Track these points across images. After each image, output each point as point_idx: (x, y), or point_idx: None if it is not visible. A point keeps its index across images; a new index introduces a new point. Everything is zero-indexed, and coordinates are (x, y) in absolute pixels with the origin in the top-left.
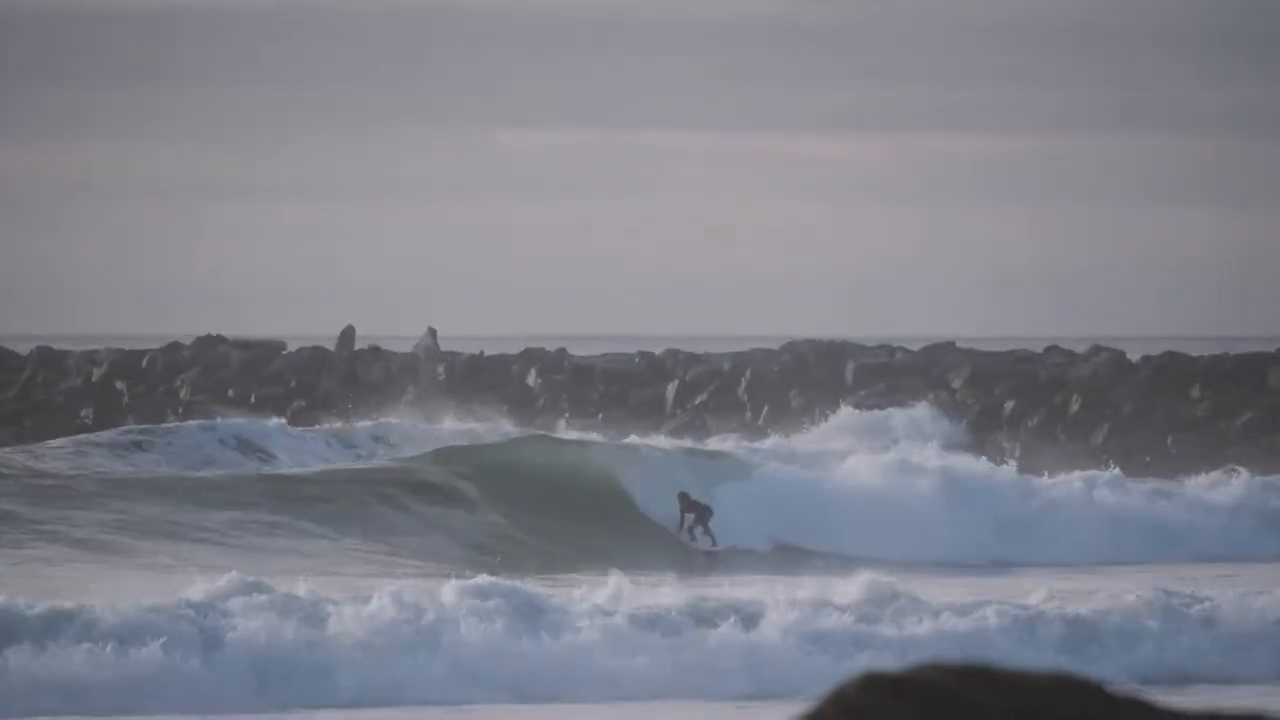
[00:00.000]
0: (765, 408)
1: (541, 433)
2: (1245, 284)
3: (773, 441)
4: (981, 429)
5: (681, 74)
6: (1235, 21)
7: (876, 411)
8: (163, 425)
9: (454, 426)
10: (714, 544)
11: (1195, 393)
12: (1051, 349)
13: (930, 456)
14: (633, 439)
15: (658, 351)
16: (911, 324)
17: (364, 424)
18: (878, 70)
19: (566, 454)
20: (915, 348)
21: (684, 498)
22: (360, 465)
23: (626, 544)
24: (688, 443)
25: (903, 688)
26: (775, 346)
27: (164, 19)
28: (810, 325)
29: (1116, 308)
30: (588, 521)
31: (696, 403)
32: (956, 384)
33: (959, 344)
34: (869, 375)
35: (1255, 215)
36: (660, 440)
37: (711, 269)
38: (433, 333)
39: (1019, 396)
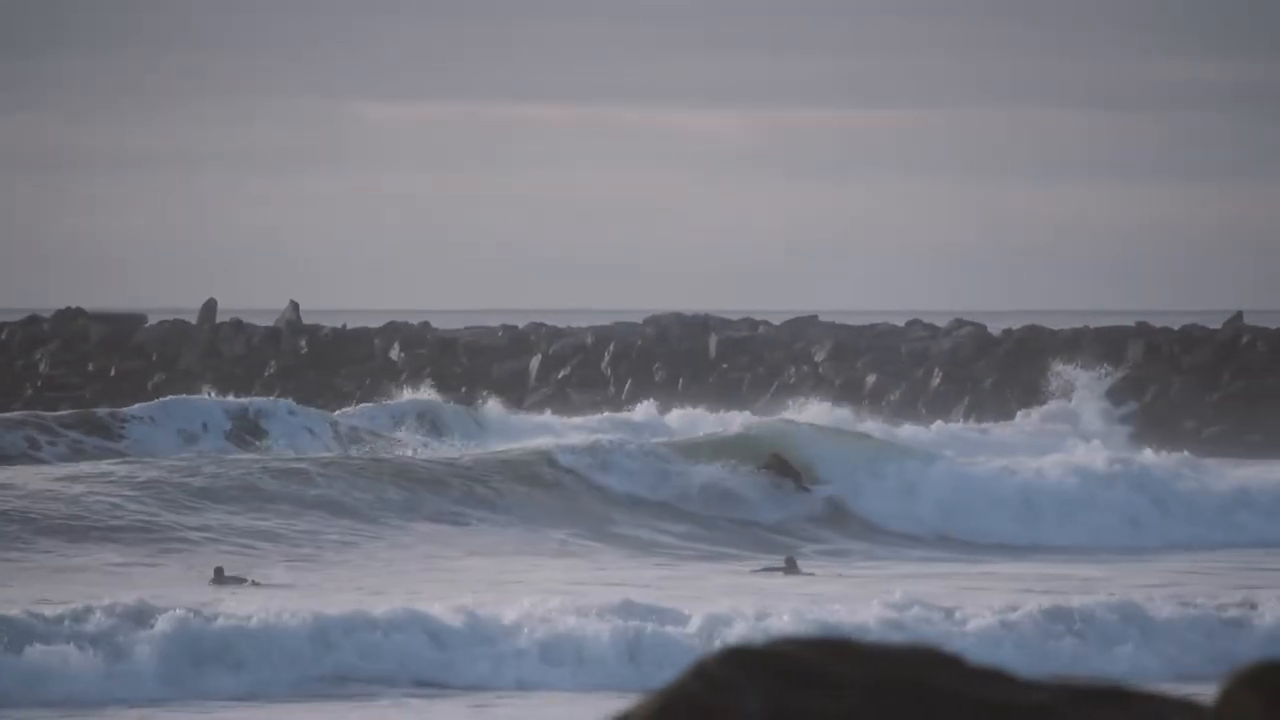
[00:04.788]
0: (628, 381)
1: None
2: (1107, 258)
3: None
4: (844, 402)
5: (546, 47)
6: None
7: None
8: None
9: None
10: (809, 490)
11: (1056, 366)
12: (913, 323)
13: None
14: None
15: (521, 325)
16: (775, 298)
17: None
18: (744, 42)
19: None
20: (778, 321)
21: (776, 458)
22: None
23: None
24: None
25: (763, 660)
26: (639, 320)
27: None
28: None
29: (979, 282)
30: None
31: (560, 376)
32: (820, 357)
33: (822, 318)
34: (732, 349)
35: (1119, 191)
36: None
37: (575, 242)
38: (295, 306)
39: (881, 370)
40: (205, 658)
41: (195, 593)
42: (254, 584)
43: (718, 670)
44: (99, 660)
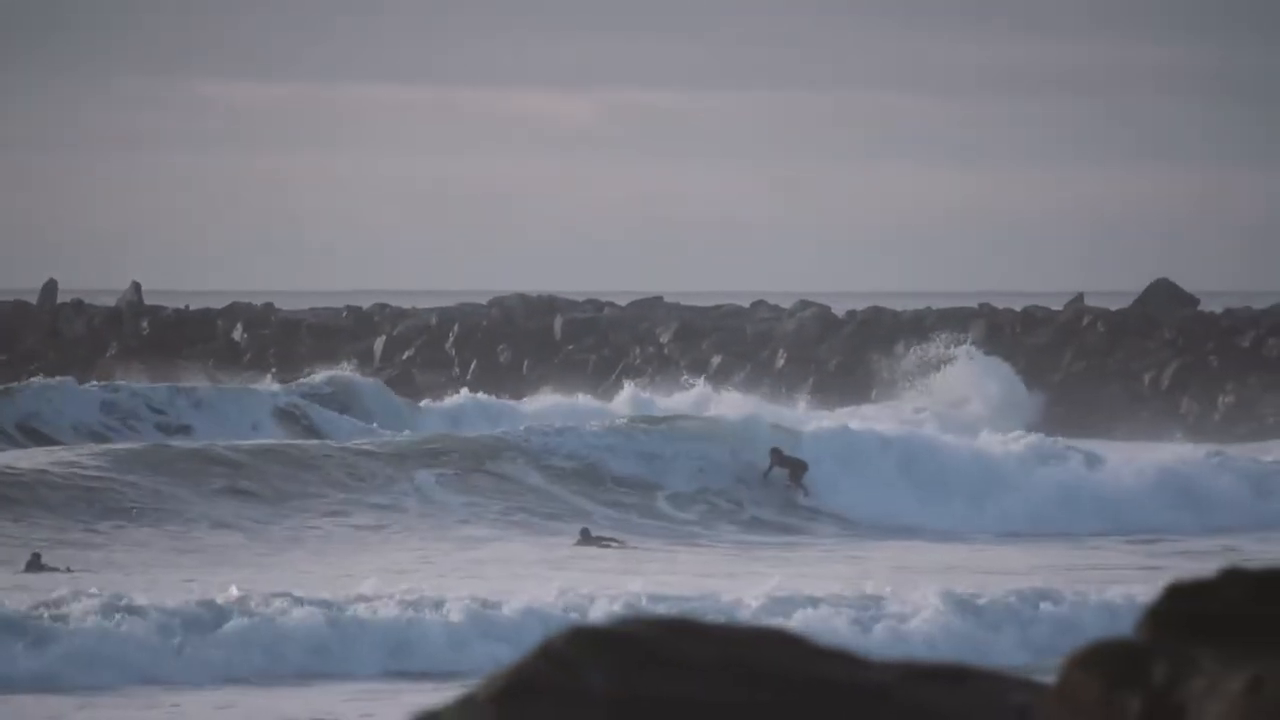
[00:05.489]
0: (473, 363)
1: None
2: (951, 241)
3: None
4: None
5: (391, 28)
6: None
7: None
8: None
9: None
10: (805, 496)
11: (900, 348)
12: (758, 304)
13: None
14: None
15: (365, 306)
16: (620, 279)
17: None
18: (592, 25)
19: None
20: (624, 303)
21: (777, 453)
22: None
23: None
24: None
25: (609, 640)
26: (483, 301)
27: None
28: (519, 280)
29: (823, 263)
30: None
31: (404, 358)
32: (665, 339)
33: (666, 299)
34: (577, 330)
35: (965, 174)
36: None
37: (419, 223)
38: (136, 287)
39: (726, 351)
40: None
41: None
42: (68, 571)
43: (563, 649)
44: None
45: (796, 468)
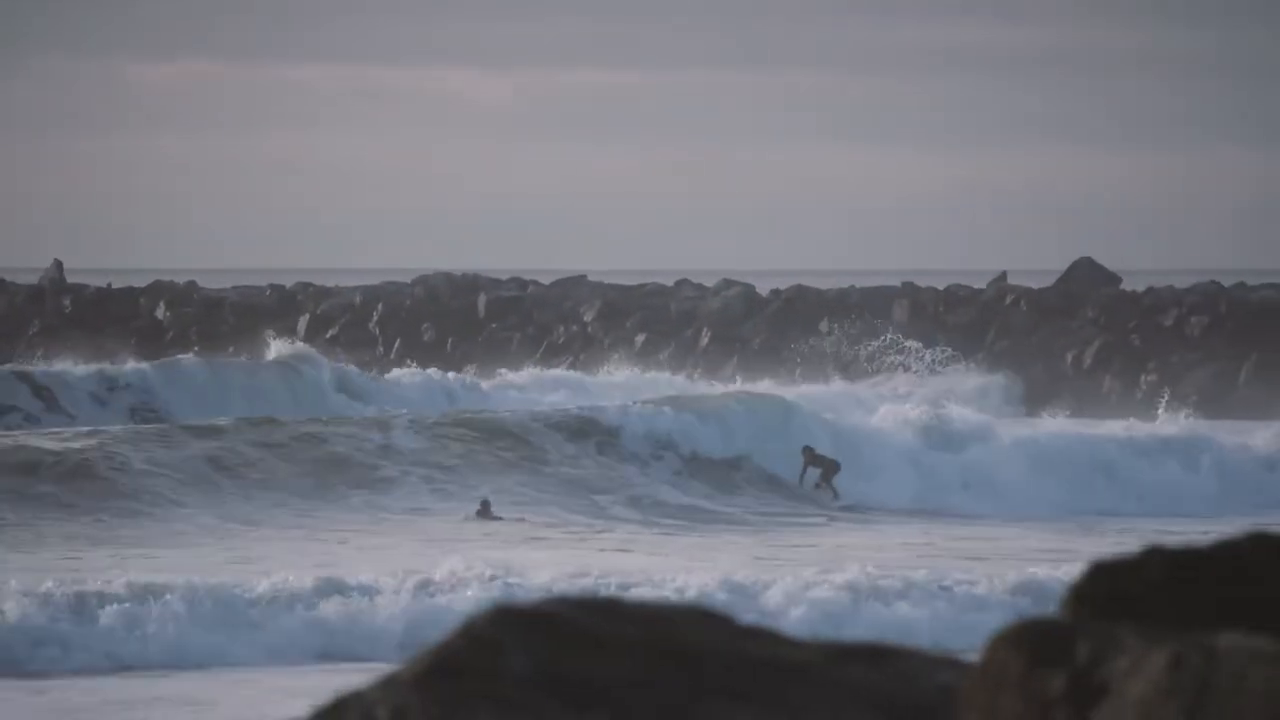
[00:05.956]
0: (397, 341)
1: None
2: (874, 220)
3: None
4: (616, 362)
5: (307, 7)
6: None
7: None
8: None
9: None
10: (836, 497)
11: (823, 326)
12: (682, 283)
13: None
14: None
15: (289, 284)
16: (545, 258)
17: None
18: (514, 4)
19: None
20: (548, 281)
21: (809, 452)
22: None
23: None
24: None
25: (532, 620)
26: (408, 280)
27: None
28: (443, 259)
29: (747, 243)
30: None
31: (328, 336)
32: (589, 317)
33: (590, 277)
34: (501, 309)
35: (888, 154)
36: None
37: (343, 203)
38: (58, 265)
39: (650, 330)
40: None
41: None
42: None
43: (486, 629)
44: None
45: (829, 468)
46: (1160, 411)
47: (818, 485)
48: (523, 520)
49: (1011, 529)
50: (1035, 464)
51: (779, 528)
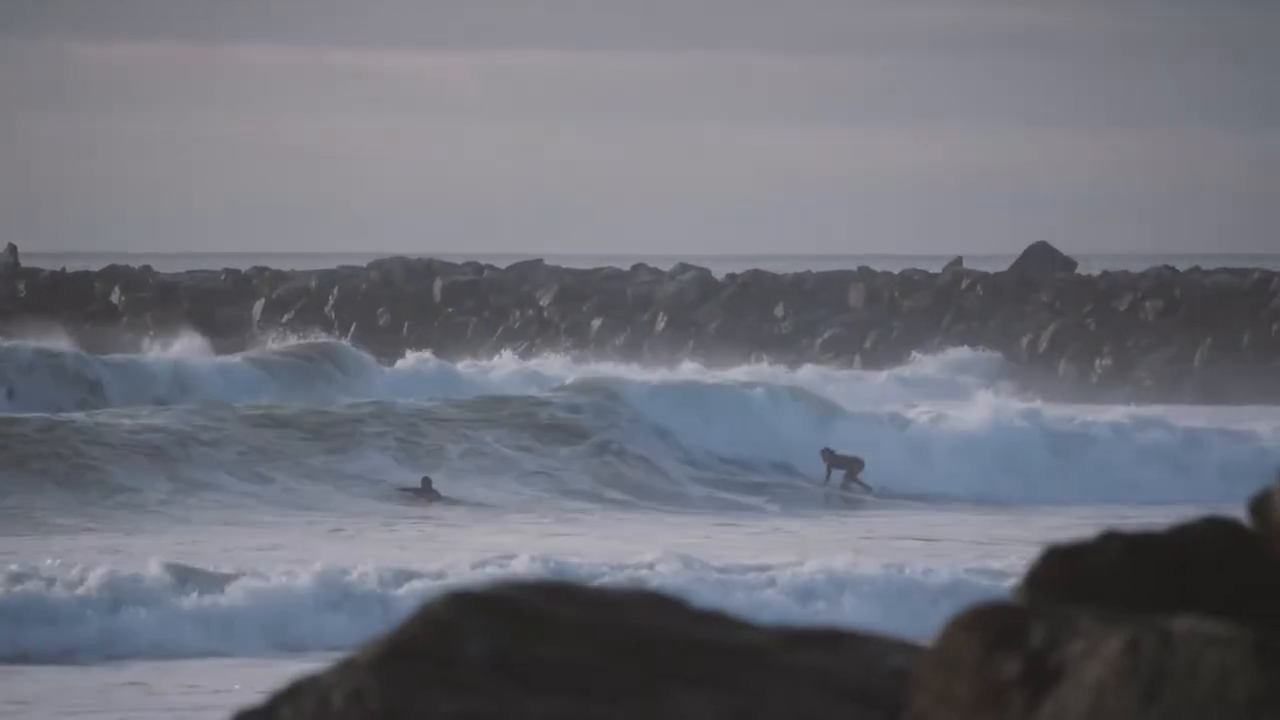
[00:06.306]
0: (353, 325)
1: None
2: (831, 204)
3: None
4: (569, 346)
5: None
6: None
7: None
8: None
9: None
10: (868, 490)
11: (779, 311)
12: (639, 267)
13: None
14: None
15: (244, 269)
16: (501, 241)
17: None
18: None
19: None
20: (504, 265)
21: (828, 454)
22: None
23: None
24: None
25: (487, 604)
26: (363, 264)
27: None
28: (398, 242)
29: (703, 227)
30: None
31: (284, 321)
32: (545, 301)
33: (547, 261)
34: (457, 293)
35: (838, 136)
36: None
37: (299, 186)
38: (12, 249)
39: (606, 314)
40: None
41: None
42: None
43: (442, 613)
44: None
45: (853, 466)
46: (1117, 396)
47: (844, 485)
48: (456, 501)
49: (954, 514)
50: (990, 449)
51: (737, 510)
